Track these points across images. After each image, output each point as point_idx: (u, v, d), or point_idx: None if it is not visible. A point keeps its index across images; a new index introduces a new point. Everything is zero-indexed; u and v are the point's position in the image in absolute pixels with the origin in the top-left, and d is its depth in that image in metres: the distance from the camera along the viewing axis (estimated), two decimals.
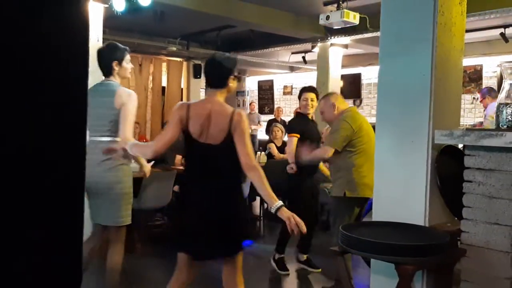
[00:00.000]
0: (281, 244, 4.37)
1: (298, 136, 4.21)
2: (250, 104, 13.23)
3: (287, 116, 10.60)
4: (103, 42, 5.14)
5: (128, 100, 2.98)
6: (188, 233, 2.42)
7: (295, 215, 2.22)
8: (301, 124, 4.33)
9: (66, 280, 0.72)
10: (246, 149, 2.36)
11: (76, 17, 0.69)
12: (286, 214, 2.22)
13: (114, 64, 3.04)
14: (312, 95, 4.30)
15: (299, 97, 4.44)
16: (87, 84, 0.75)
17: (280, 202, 2.27)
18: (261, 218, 6.76)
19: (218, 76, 2.48)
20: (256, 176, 2.34)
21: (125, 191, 3.08)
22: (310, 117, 4.40)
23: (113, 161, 2.97)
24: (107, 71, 3.05)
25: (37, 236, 0.67)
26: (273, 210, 2.26)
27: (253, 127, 12.02)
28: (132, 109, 3.00)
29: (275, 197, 2.30)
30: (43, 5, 0.66)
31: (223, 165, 2.43)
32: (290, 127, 4.47)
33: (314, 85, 8.96)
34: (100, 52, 3.06)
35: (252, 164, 2.35)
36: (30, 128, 0.65)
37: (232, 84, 2.52)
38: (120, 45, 3.13)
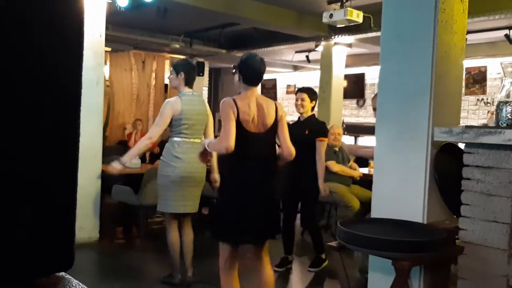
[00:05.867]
0: (320, 245, 4.42)
1: None
2: None
3: (290, 116, 10.59)
4: (105, 38, 5.16)
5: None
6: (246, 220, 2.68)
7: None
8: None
9: (57, 262, 0.71)
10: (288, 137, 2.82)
11: (70, 15, 0.69)
12: None
13: None
14: (303, 95, 4.34)
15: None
16: (81, 87, 0.73)
17: None
18: None
19: (259, 75, 2.82)
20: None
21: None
22: (298, 118, 4.48)
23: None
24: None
25: (27, 217, 0.67)
26: None
27: None
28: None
29: None
30: (35, 3, 0.65)
31: (269, 151, 2.78)
32: None
33: (317, 84, 8.97)
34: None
35: (293, 151, 2.80)
36: (20, 128, 0.65)
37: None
38: None
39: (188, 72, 3.78)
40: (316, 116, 4.56)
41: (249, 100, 2.75)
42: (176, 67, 3.79)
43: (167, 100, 3.78)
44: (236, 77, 2.82)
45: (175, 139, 3.61)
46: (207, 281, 3.78)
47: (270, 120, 2.74)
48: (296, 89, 4.63)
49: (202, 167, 3.65)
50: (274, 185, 2.80)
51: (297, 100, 4.36)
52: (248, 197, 2.68)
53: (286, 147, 2.78)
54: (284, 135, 2.80)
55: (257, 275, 2.86)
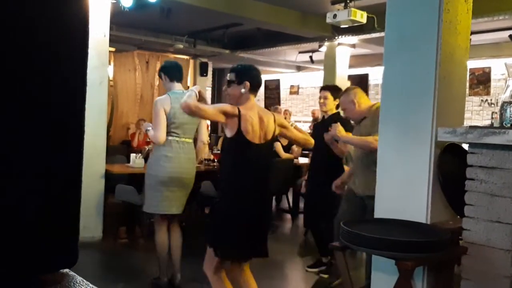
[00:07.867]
0: (322, 247, 4.29)
1: None
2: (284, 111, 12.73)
3: (293, 117, 10.58)
4: (109, 38, 5.17)
5: None
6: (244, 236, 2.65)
7: None
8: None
9: (62, 259, 0.72)
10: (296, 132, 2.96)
11: (75, 14, 0.70)
12: None
13: None
14: (326, 93, 4.29)
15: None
16: (86, 83, 0.74)
17: None
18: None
19: (261, 81, 2.86)
20: None
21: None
22: (322, 116, 4.53)
23: (193, 156, 3.63)
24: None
25: (33, 214, 0.67)
26: None
27: None
28: None
29: None
30: (41, 4, 0.66)
31: (267, 162, 2.80)
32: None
33: (321, 85, 8.96)
34: None
35: (309, 138, 3.01)
36: (24, 128, 0.65)
37: None
38: None
39: (166, 69, 3.69)
40: (325, 115, 4.53)
41: (253, 112, 2.69)
42: (158, 72, 3.82)
43: (157, 98, 3.68)
44: (241, 88, 2.69)
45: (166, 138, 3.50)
46: (198, 283, 3.76)
47: (269, 132, 2.73)
48: (320, 88, 4.68)
49: (191, 168, 3.59)
50: (267, 197, 2.88)
51: (320, 98, 4.36)
52: (245, 206, 2.62)
53: (302, 139, 2.98)
54: (293, 133, 2.91)
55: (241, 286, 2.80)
